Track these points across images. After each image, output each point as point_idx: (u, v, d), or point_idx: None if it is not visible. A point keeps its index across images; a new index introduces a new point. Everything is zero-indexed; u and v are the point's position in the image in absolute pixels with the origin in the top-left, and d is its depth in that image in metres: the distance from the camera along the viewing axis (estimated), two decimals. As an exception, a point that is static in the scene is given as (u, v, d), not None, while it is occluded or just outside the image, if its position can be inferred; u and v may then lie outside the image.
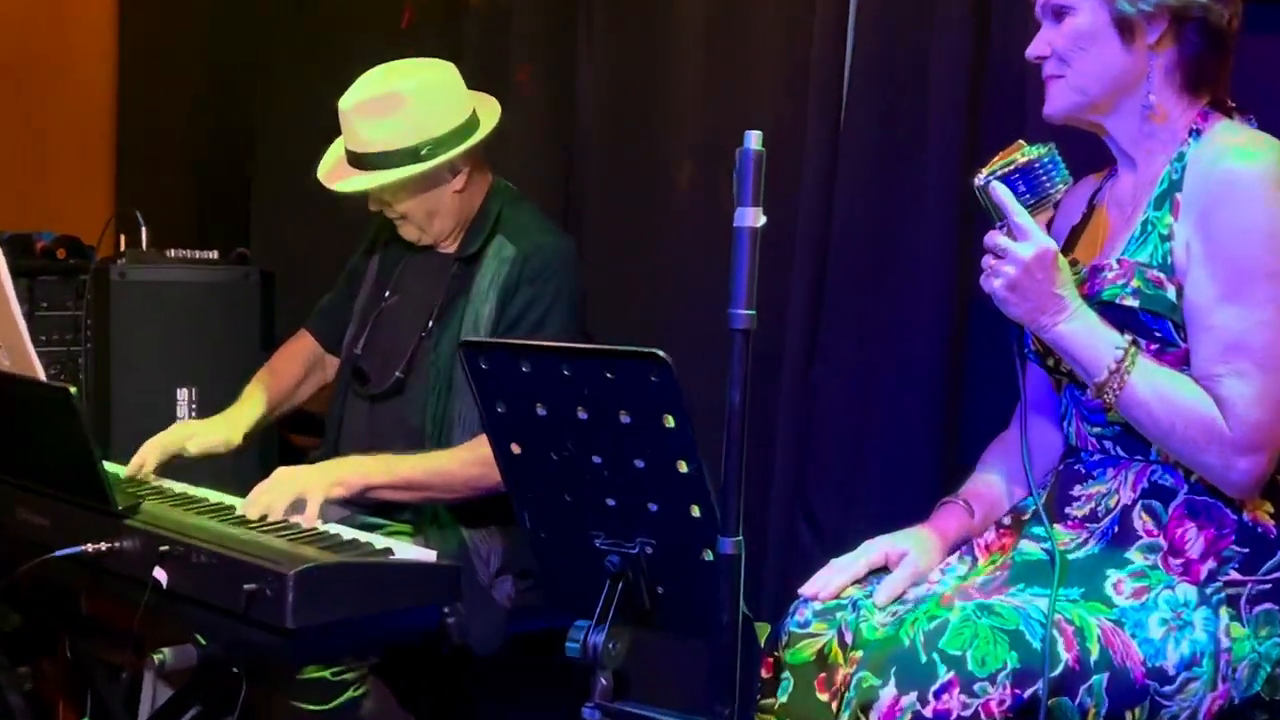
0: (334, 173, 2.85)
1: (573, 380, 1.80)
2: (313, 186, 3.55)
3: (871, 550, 2.12)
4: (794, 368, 2.91)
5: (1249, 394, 1.90)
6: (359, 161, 2.78)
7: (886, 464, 2.79)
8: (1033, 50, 2.08)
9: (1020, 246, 1.95)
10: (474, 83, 2.93)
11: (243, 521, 2.49)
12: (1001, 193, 1.97)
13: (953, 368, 2.72)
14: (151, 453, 2.79)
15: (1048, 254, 1.95)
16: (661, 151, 3.21)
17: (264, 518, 2.49)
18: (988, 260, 2.00)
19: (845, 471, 2.86)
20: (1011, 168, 2.00)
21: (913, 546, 2.11)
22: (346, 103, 2.78)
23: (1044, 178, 2.00)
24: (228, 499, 2.66)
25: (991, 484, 2.23)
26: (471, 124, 2.83)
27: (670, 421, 1.76)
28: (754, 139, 1.71)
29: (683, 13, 3.17)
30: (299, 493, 2.52)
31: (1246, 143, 1.98)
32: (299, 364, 3.08)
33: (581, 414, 1.82)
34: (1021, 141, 2.04)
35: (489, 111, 2.89)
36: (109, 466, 2.68)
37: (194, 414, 3.40)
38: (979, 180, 2.01)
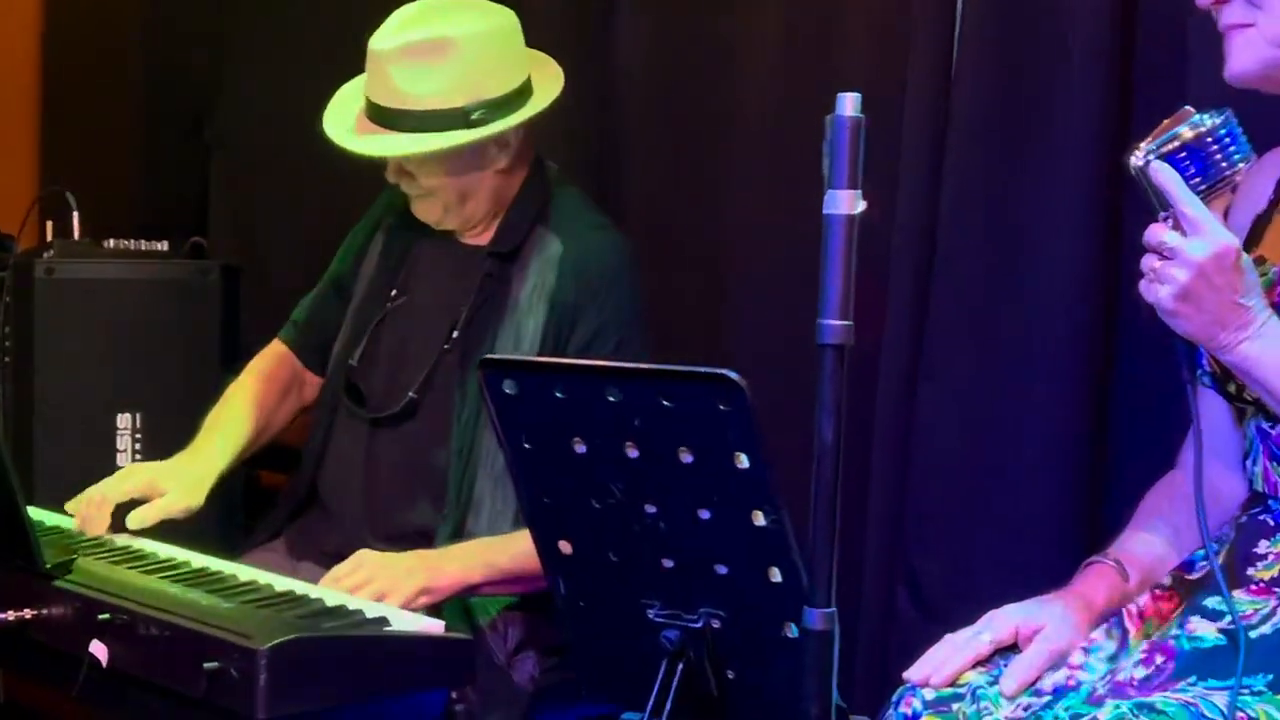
0: (347, 129, 2.85)
1: (621, 409, 1.81)
2: (288, 156, 3.56)
3: (997, 624, 2.09)
4: (892, 389, 2.91)
5: None
6: (388, 119, 2.78)
7: (1008, 512, 2.79)
8: None
9: (1193, 244, 1.92)
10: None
11: (203, 582, 2.49)
12: (1166, 175, 1.94)
13: (1095, 391, 2.71)
14: (101, 512, 2.75)
15: (1228, 253, 1.92)
16: (721, 121, 3.22)
17: (230, 576, 2.51)
18: (1149, 262, 1.97)
19: (955, 521, 2.86)
20: (1177, 143, 1.97)
21: (1050, 620, 2.08)
22: (383, 44, 2.77)
23: (1219, 155, 1.97)
24: (181, 554, 2.66)
25: (1151, 542, 2.21)
26: (527, 89, 2.85)
27: (743, 461, 1.76)
28: (850, 103, 1.71)
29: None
30: (378, 594, 2.51)
31: None
32: (273, 387, 3.05)
33: (631, 451, 1.82)
34: (1189, 108, 2.02)
35: (546, 76, 2.91)
36: (34, 513, 2.70)
37: (139, 445, 3.41)
38: (1136, 159, 1.98)
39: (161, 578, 2.51)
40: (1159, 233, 1.95)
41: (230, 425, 2.96)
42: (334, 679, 2.23)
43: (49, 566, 2.42)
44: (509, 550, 2.64)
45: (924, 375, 2.87)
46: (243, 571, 2.56)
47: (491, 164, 2.83)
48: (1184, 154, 1.97)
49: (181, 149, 4.05)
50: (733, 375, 1.73)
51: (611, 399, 1.80)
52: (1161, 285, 1.93)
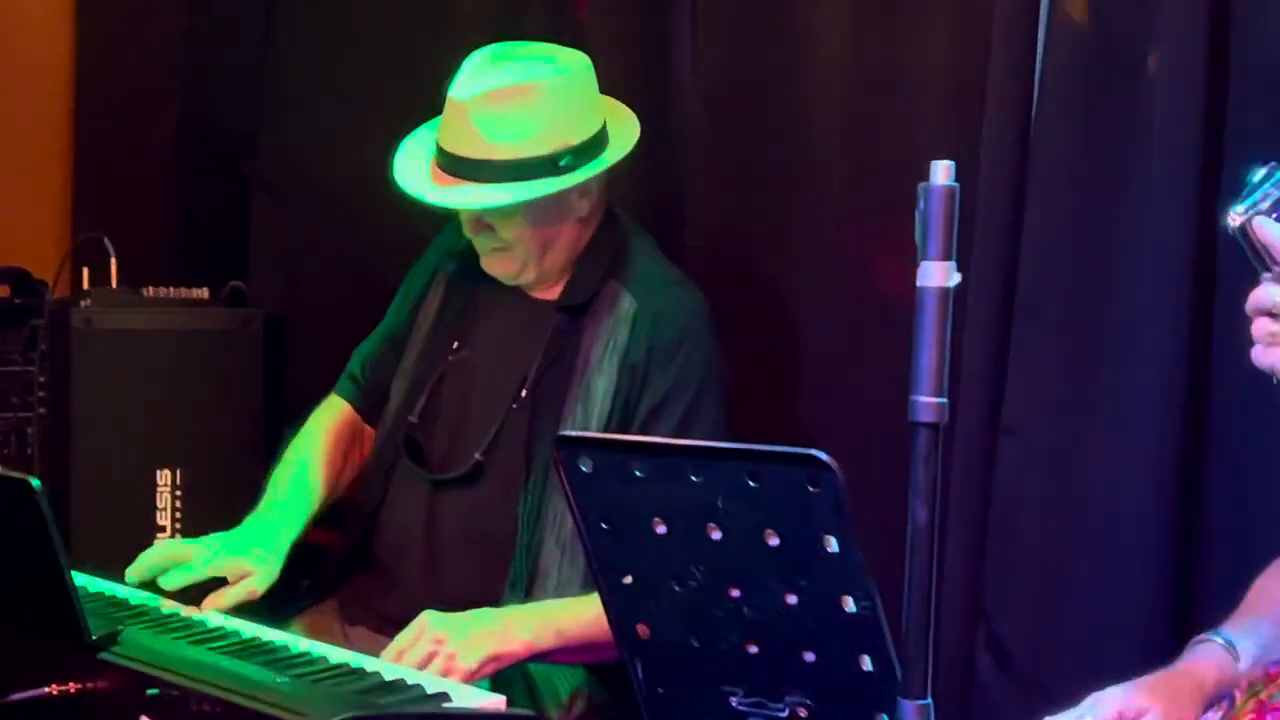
0: (425, 182, 2.86)
1: (703, 489, 1.80)
2: (332, 195, 3.56)
3: (1102, 707, 2.07)
4: (970, 446, 2.90)
5: None
6: (469, 169, 2.80)
7: (1099, 576, 2.77)
8: None
9: None
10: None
11: (256, 654, 2.50)
12: (1273, 230, 1.91)
13: (1189, 452, 2.70)
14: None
15: None
16: (793, 177, 3.22)
17: (282, 647, 2.51)
18: (1264, 326, 1.92)
19: (1042, 584, 2.84)
20: (1273, 200, 1.93)
21: (1158, 703, 2.07)
22: (463, 92, 2.80)
23: None
24: (232, 623, 2.67)
25: (1262, 627, 2.19)
26: (605, 133, 2.88)
27: (833, 544, 1.76)
28: (943, 171, 1.71)
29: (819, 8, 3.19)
30: (444, 670, 2.52)
31: None
32: (338, 445, 3.05)
33: (714, 533, 1.81)
34: (1275, 164, 2.00)
35: (620, 119, 2.95)
36: (76, 578, 2.70)
37: (179, 503, 3.41)
38: (1234, 219, 1.94)
39: (212, 649, 2.51)
40: (1272, 293, 1.91)
41: (302, 489, 2.95)
42: (393, 758, 2.25)
43: (95, 637, 2.41)
44: (579, 617, 2.64)
45: (1004, 432, 2.86)
46: (296, 642, 2.55)
47: (573, 213, 2.86)
48: None
49: (220, 190, 4.04)
50: (823, 456, 1.72)
51: (695, 478, 1.79)
52: None
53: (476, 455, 2.83)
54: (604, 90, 3.16)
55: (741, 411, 3.01)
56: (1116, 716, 2.07)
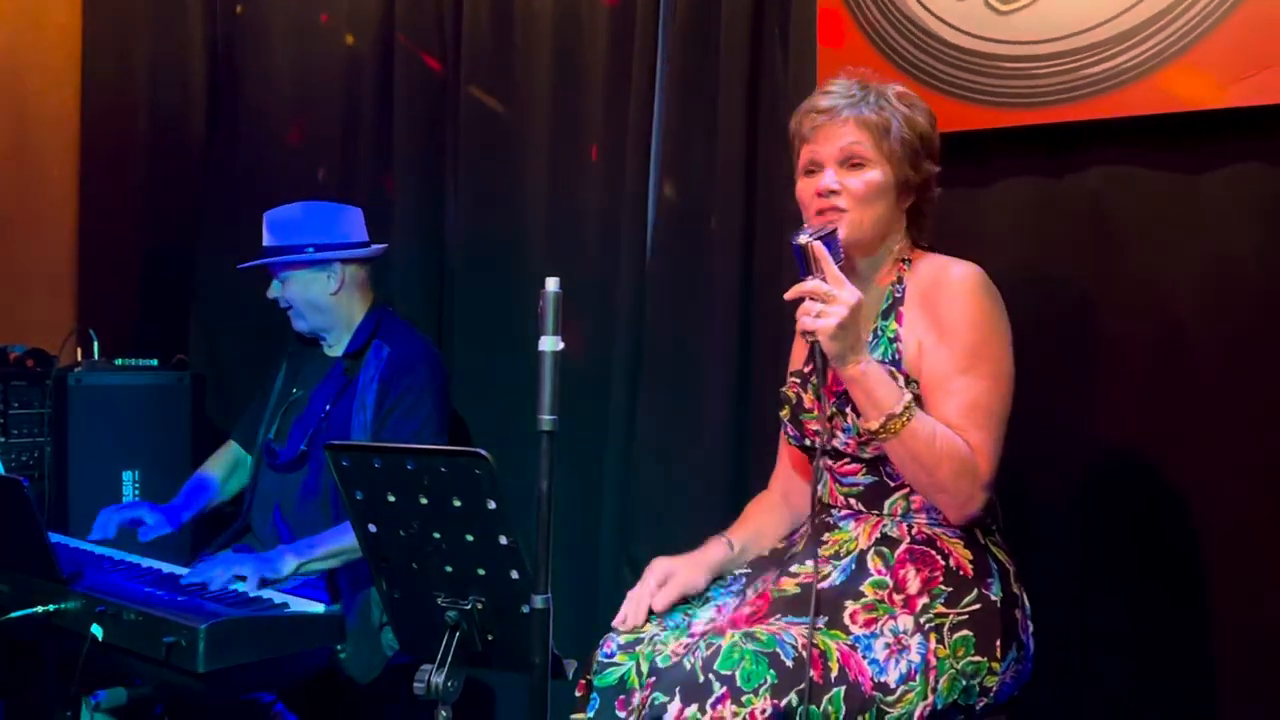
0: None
1: (415, 473, 1.80)
2: (239, 306, 3.52)
3: (654, 570, 2.11)
4: (616, 447, 2.94)
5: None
6: (261, 255, 2.85)
7: (689, 514, 2.81)
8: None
9: (846, 291, 1.89)
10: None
11: (168, 584, 2.44)
12: (821, 250, 1.92)
13: (738, 447, 2.77)
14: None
15: (861, 302, 1.93)
16: (513, 283, 3.21)
17: (179, 576, 2.47)
18: (810, 307, 1.90)
19: (658, 523, 2.88)
20: (824, 234, 1.95)
21: (682, 567, 2.12)
22: (268, 212, 2.87)
23: (839, 249, 1.96)
24: (155, 564, 2.61)
25: (747, 531, 2.26)
26: (354, 245, 2.88)
27: (492, 504, 1.77)
28: (552, 284, 1.74)
29: (526, 188, 3.17)
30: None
31: None
32: (224, 467, 3.06)
33: (423, 500, 1.81)
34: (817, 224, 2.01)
35: (375, 251, 2.95)
36: (60, 539, 2.63)
37: (137, 492, 3.34)
38: (803, 238, 1.93)
39: (140, 581, 2.47)
40: (819, 284, 1.90)
41: (199, 487, 2.99)
42: (251, 644, 2.21)
43: (66, 576, 2.37)
44: (325, 540, 2.61)
45: (636, 440, 2.90)
46: (190, 574, 2.51)
47: (325, 288, 2.84)
48: (828, 241, 1.94)
49: (169, 298, 3.91)
50: (483, 452, 1.73)
51: (409, 467, 1.79)
52: (825, 317, 1.88)
53: (301, 446, 2.81)
54: (402, 241, 3.20)
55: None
56: (662, 575, 2.10)
